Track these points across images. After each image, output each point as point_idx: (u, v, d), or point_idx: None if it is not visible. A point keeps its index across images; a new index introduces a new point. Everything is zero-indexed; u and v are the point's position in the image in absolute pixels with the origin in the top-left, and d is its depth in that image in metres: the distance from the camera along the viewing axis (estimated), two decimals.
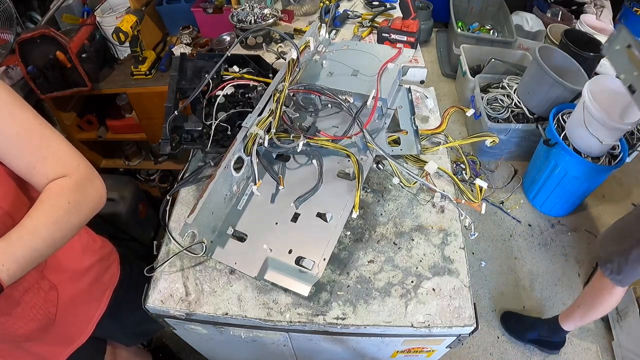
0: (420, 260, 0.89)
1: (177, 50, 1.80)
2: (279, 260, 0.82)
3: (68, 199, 0.74)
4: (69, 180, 0.75)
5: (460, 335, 0.85)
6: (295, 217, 0.88)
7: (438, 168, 1.05)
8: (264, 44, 1.56)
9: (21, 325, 0.84)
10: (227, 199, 0.89)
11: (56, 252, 0.78)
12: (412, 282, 0.86)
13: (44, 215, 0.71)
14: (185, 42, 1.88)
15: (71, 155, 0.78)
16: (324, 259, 0.80)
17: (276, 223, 0.87)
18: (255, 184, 0.90)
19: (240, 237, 0.87)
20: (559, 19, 3.03)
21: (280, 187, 0.91)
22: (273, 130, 0.88)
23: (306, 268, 0.79)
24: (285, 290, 0.84)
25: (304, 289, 0.79)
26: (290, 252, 0.82)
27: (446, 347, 0.95)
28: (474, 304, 0.84)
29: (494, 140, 1.06)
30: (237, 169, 0.89)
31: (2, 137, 0.71)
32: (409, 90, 1.17)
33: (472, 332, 0.82)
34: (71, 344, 0.99)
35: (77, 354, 1.00)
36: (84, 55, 1.69)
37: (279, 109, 0.88)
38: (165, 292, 0.87)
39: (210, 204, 0.83)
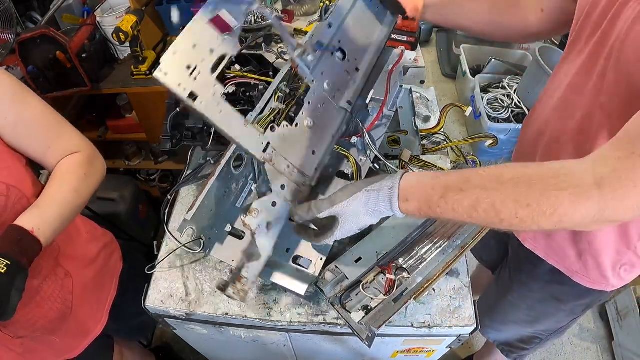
0: None
1: None
2: (277, 259, 0.82)
3: (84, 170, 0.84)
4: (81, 155, 0.86)
5: (460, 335, 0.85)
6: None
7: (439, 168, 1.05)
8: (263, 44, 1.56)
9: (41, 315, 0.87)
10: (226, 197, 0.89)
11: (67, 240, 0.87)
12: None
13: (66, 184, 0.81)
14: None
15: (78, 135, 0.89)
16: (321, 259, 0.80)
17: None
18: (255, 182, 0.91)
19: (238, 235, 0.87)
20: None
21: None
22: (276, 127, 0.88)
23: (303, 267, 0.80)
24: (285, 290, 0.84)
25: (301, 288, 0.79)
26: (287, 250, 0.82)
27: (446, 347, 0.95)
28: (475, 304, 0.84)
29: (493, 142, 1.06)
30: (237, 167, 0.89)
31: (20, 123, 0.80)
32: (410, 91, 1.17)
33: (473, 332, 0.82)
34: (88, 335, 1.01)
35: (88, 350, 1.01)
36: (84, 55, 1.68)
37: (285, 111, 0.88)
38: (165, 292, 0.87)
39: (209, 200, 0.83)
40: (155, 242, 0.96)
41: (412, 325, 0.81)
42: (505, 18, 0.90)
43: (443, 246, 0.82)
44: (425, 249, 0.83)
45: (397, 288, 0.76)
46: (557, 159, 0.79)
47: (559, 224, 0.50)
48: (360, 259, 0.81)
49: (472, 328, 0.81)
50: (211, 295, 0.86)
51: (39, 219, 0.74)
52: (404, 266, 0.81)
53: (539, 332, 1.16)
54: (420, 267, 0.80)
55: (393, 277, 0.78)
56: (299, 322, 0.82)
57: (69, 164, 0.84)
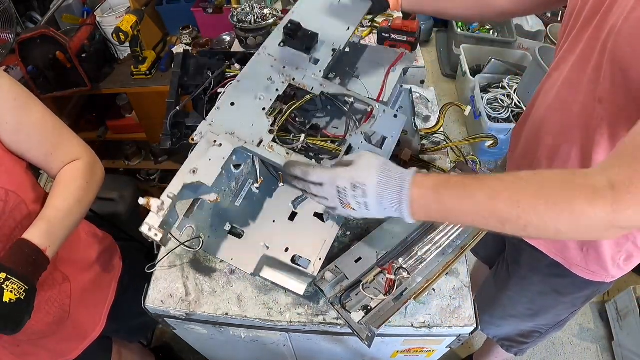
0: None
1: (177, 50, 1.80)
2: (276, 258, 0.82)
3: (86, 179, 0.84)
4: (82, 163, 0.86)
5: (460, 335, 0.85)
6: (292, 216, 0.88)
7: (438, 168, 1.05)
8: None
9: (38, 320, 0.86)
10: (225, 195, 0.89)
11: (66, 245, 0.86)
12: None
13: (71, 196, 0.81)
14: (185, 42, 1.88)
15: (78, 141, 0.89)
16: (320, 259, 0.80)
17: (273, 221, 0.88)
18: (256, 182, 0.91)
19: (238, 234, 0.87)
20: (559, 19, 3.03)
21: (280, 184, 0.91)
22: (275, 129, 0.88)
23: (302, 267, 0.80)
24: (285, 290, 0.84)
25: (300, 288, 0.79)
26: (286, 250, 0.82)
27: (446, 347, 0.95)
28: (475, 304, 0.84)
29: (494, 142, 1.06)
30: (236, 166, 0.89)
31: (22, 128, 0.79)
32: (410, 91, 1.17)
33: (472, 332, 0.82)
34: (85, 339, 1.01)
35: (86, 351, 1.01)
36: (84, 55, 1.69)
37: (287, 112, 0.88)
38: (165, 292, 0.87)
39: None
40: (155, 242, 0.96)
41: (412, 325, 0.81)
42: None
43: (443, 246, 0.82)
44: (425, 249, 0.83)
45: (397, 288, 0.77)
46: (559, 155, 0.80)
47: (574, 225, 0.50)
48: (360, 259, 0.81)
49: (472, 328, 0.81)
50: (211, 295, 0.86)
51: (50, 238, 0.74)
52: (404, 266, 0.81)
53: (540, 326, 1.16)
54: (420, 267, 0.81)
55: (393, 277, 0.78)
56: (298, 322, 0.82)
57: (71, 173, 0.84)
